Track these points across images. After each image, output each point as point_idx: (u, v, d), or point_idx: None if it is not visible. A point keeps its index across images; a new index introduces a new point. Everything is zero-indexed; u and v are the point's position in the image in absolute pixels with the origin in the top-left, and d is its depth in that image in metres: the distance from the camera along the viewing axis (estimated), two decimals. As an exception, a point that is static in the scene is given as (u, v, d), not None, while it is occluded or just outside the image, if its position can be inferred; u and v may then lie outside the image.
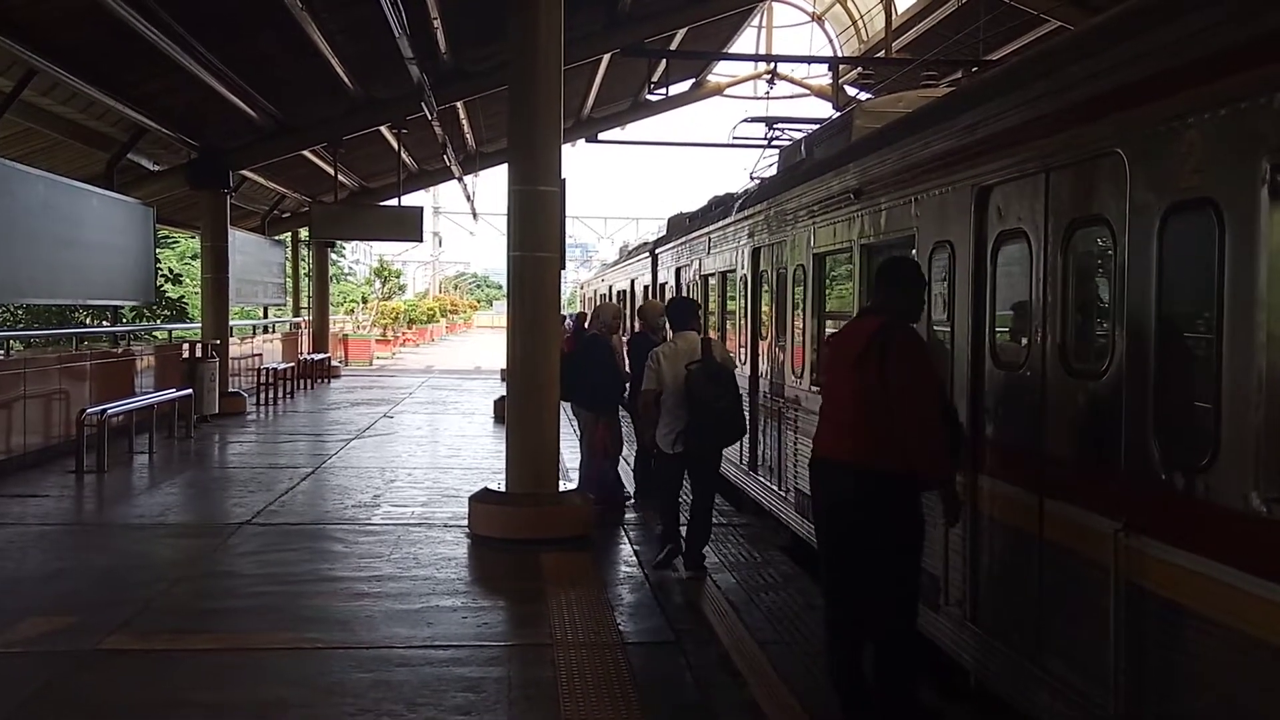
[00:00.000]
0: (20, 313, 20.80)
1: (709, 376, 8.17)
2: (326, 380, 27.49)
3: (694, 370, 8.17)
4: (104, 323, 19.01)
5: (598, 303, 30.44)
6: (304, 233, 30.13)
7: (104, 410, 12.92)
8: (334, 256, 39.37)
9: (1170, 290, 4.03)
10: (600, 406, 10.57)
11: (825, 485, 5.37)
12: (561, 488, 9.90)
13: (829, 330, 8.73)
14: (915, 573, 5.35)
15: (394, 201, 22.52)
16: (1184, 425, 3.99)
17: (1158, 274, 4.03)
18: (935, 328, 6.15)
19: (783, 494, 9.53)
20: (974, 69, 15.55)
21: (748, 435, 10.71)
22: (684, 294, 14.77)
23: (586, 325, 11.29)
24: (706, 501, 8.48)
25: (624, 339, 12.84)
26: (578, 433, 11.35)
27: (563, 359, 9.89)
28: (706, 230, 13.57)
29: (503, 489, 9.67)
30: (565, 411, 10.64)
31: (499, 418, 17.04)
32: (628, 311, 22.39)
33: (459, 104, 19.50)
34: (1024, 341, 5.23)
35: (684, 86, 25.43)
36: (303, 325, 30.53)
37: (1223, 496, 3.64)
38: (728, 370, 8.45)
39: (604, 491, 10.36)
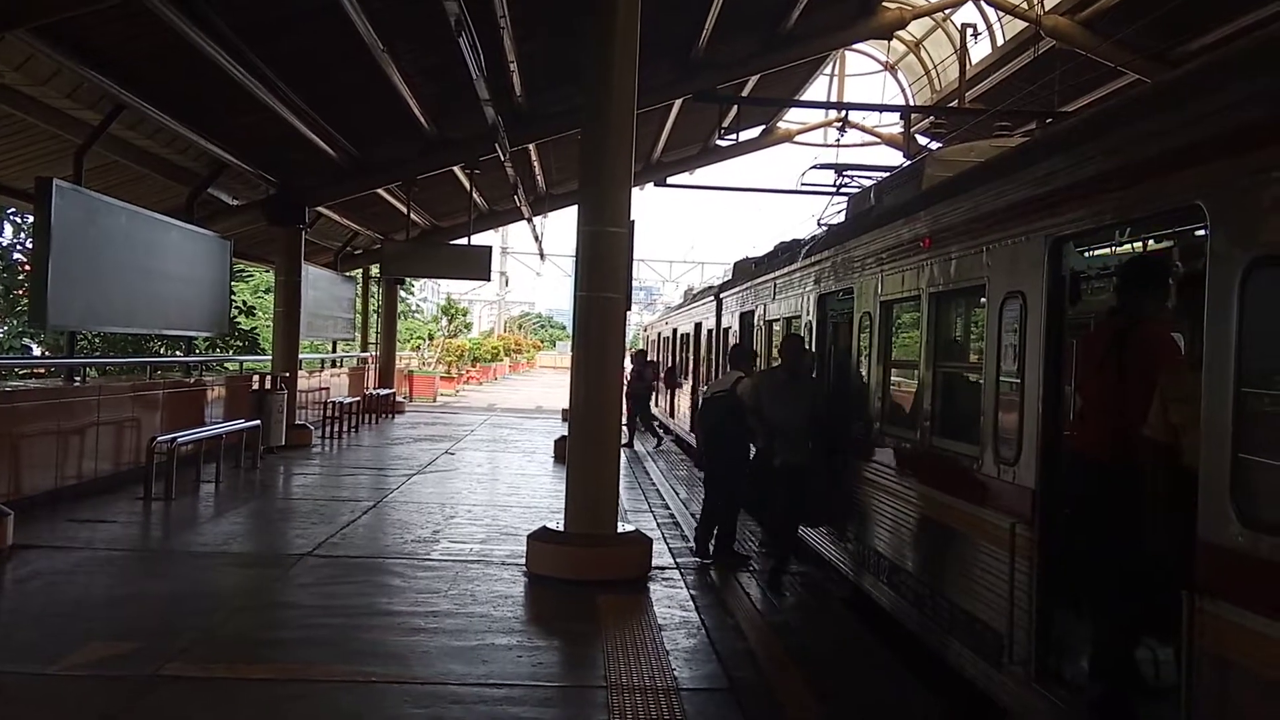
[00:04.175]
0: (97, 340, 21.29)
1: (719, 406, 10.46)
2: (391, 415, 27.77)
3: (707, 398, 10.90)
4: (178, 352, 19.38)
5: (660, 345, 30.46)
6: (375, 269, 30.59)
7: (174, 439, 13.15)
8: (402, 294, 39.85)
9: (1251, 345, 3.91)
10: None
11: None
12: (620, 529, 9.86)
13: (895, 378, 8.64)
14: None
15: (463, 240, 22.81)
16: (1261, 486, 3.85)
17: (1238, 328, 3.91)
18: (1003, 379, 6.05)
19: (845, 545, 9.38)
20: (1048, 120, 15.40)
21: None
22: (750, 338, 14.80)
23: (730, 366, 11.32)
24: (724, 508, 10.44)
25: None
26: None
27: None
28: (772, 275, 13.54)
29: (561, 528, 9.65)
30: (624, 453, 10.64)
31: (559, 457, 17.06)
32: (692, 357, 22.39)
33: (531, 145, 19.73)
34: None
35: (754, 132, 25.51)
36: (370, 360, 30.92)
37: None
38: (737, 403, 10.25)
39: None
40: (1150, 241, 5.90)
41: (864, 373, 9.17)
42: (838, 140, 23.08)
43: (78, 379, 13.92)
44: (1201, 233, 4.16)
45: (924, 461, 7.35)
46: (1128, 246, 6.00)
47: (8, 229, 28.48)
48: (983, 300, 6.45)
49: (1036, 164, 5.83)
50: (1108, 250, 6.04)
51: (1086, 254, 5.99)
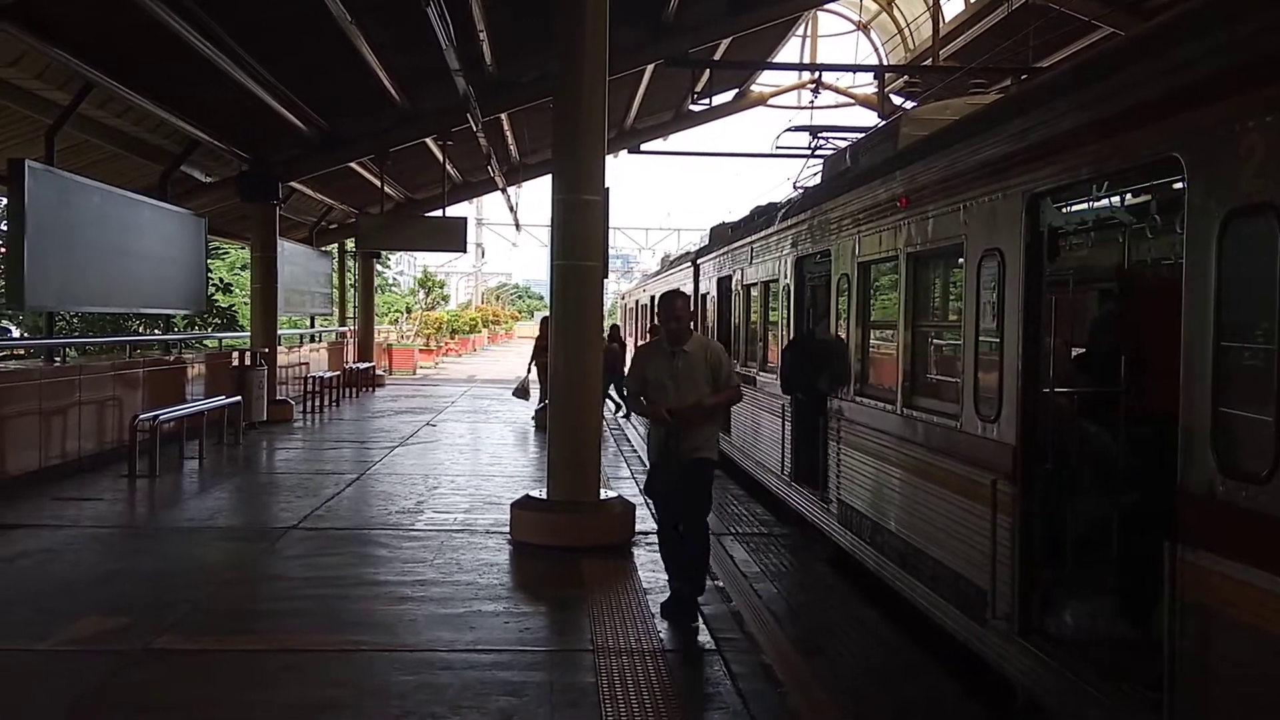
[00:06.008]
0: (75, 320, 21.16)
1: None
2: (371, 389, 27.69)
3: None
4: (156, 331, 19.29)
5: (637, 312, 30.44)
6: (350, 243, 30.47)
7: (156, 416, 13.10)
8: (379, 267, 39.69)
9: (1229, 296, 3.94)
10: None
11: None
12: (602, 495, 9.91)
13: (875, 339, 8.69)
14: None
15: (438, 212, 22.72)
16: (1241, 435, 3.89)
17: (1216, 280, 3.94)
18: (983, 337, 6.10)
19: (825, 505, 9.46)
20: (1023, 76, 15.42)
21: (790, 446, 10.67)
22: (727, 304, 14.92)
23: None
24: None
25: None
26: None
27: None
28: (749, 240, 13.54)
29: (544, 496, 9.69)
30: (606, 422, 10.62)
31: (540, 426, 17.09)
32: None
33: (503, 115, 19.63)
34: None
35: (727, 97, 25.41)
36: (348, 335, 30.81)
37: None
38: None
39: None
40: (1129, 196, 5.94)
41: (843, 334, 9.21)
42: (811, 102, 23.11)
43: (58, 359, 13.85)
44: (1179, 185, 4.18)
45: (905, 421, 7.41)
46: (1105, 201, 6.04)
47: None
48: (961, 259, 6.48)
49: (1012, 120, 5.84)
50: (1085, 205, 6.07)
51: (1064, 210, 6.02)
